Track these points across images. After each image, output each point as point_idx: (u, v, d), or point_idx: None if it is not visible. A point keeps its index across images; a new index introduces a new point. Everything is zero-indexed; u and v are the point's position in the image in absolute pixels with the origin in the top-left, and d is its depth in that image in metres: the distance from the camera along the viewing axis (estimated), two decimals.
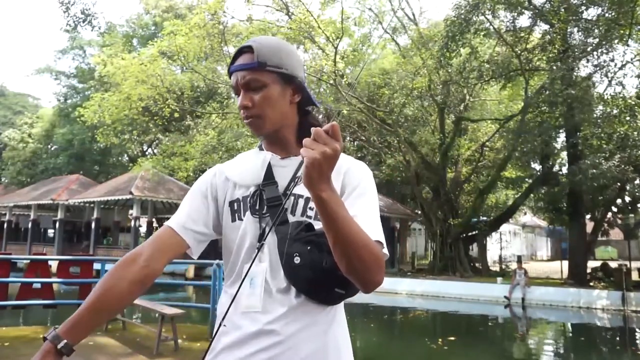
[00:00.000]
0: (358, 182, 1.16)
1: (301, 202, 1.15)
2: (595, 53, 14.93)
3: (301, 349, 1.07)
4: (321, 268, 1.06)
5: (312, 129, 0.93)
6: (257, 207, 1.17)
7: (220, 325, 1.09)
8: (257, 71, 1.14)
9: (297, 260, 1.07)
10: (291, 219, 1.14)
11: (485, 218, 21.78)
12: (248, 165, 1.22)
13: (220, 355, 1.13)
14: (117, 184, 25.02)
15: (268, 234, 1.13)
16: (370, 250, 0.99)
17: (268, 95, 1.15)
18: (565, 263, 17.83)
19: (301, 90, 1.21)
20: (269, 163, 1.20)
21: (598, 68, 15.05)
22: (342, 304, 1.17)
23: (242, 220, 1.17)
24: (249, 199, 1.18)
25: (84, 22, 13.28)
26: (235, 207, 1.20)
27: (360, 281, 1.02)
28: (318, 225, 1.10)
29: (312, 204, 1.13)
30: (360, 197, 1.13)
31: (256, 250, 1.13)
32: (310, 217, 1.14)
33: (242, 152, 1.30)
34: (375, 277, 1.00)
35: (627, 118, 15.02)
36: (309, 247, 1.07)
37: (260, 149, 1.27)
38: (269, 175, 1.19)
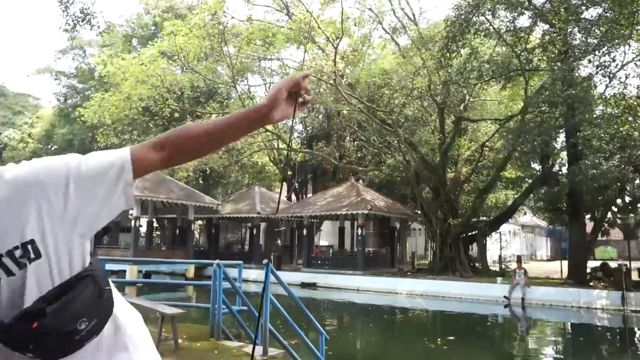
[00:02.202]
0: (63, 165, 0.94)
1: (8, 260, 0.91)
2: (595, 53, 14.93)
3: None
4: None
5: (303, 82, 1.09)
6: None
7: None
8: None
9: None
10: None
11: (485, 218, 21.78)
12: None
13: None
14: None
15: None
16: None
17: None
18: (565, 263, 17.83)
19: None
20: None
21: (599, 68, 15.05)
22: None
23: None
24: None
25: (82, 21, 13.25)
26: None
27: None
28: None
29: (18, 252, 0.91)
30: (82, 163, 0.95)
31: None
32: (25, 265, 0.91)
33: None
34: None
35: (630, 118, 15.02)
36: (32, 346, 0.90)
37: None
38: None
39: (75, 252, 0.96)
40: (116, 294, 1.04)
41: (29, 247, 0.92)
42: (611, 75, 15.13)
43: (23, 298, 0.91)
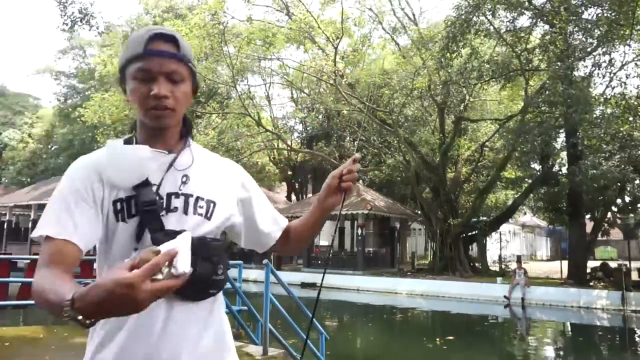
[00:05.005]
0: (251, 183, 1.35)
1: (191, 201, 1.16)
2: (595, 53, 14.92)
3: (183, 346, 1.09)
4: (195, 275, 0.98)
5: (353, 169, 1.21)
6: (136, 209, 1.10)
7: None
8: (181, 63, 1.14)
9: None
10: (181, 218, 1.13)
11: (485, 218, 21.76)
12: (127, 164, 1.12)
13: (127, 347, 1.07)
14: None
15: (141, 238, 1.10)
16: None
17: (185, 90, 1.16)
18: (565, 263, 17.83)
19: (197, 87, 1.23)
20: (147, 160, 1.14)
21: (598, 68, 15.04)
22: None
23: (125, 222, 1.10)
24: (132, 199, 1.11)
25: (81, 21, 13.24)
26: (119, 207, 1.11)
27: (301, 249, 1.38)
28: (200, 230, 1.14)
29: (201, 202, 1.17)
30: (260, 196, 1.35)
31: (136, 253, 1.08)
32: (201, 215, 1.16)
33: (112, 143, 1.16)
34: None
35: (630, 118, 15.02)
36: None
37: (128, 142, 1.18)
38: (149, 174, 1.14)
39: None
40: None
41: None
42: (611, 75, 15.12)
43: None
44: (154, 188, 1.13)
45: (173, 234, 1.00)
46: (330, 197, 1.21)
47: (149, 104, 1.11)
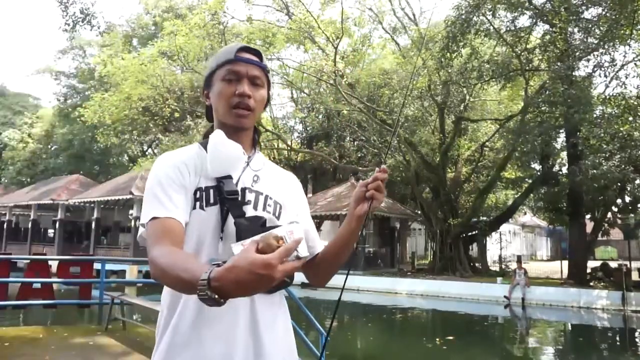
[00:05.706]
0: (305, 200, 1.44)
1: (261, 198, 1.29)
2: (595, 53, 14.92)
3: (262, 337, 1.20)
4: None
5: (378, 177, 1.18)
6: (218, 199, 1.23)
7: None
8: (263, 72, 1.32)
9: None
10: (252, 212, 1.25)
11: (485, 218, 21.76)
12: (225, 156, 1.25)
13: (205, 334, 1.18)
14: (117, 184, 25.00)
15: (224, 225, 1.22)
16: None
17: (263, 95, 1.33)
18: (565, 263, 17.82)
19: (270, 99, 1.38)
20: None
21: (598, 68, 15.04)
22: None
23: (204, 210, 1.23)
24: (211, 189, 1.24)
25: (82, 21, 13.24)
26: (198, 196, 1.24)
27: (331, 275, 1.40)
28: (275, 222, 1.27)
29: (270, 202, 1.30)
30: (309, 214, 1.44)
31: (219, 239, 1.21)
32: (269, 212, 1.28)
33: (220, 132, 1.27)
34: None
35: (630, 118, 15.02)
36: None
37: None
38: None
39: None
40: None
41: None
42: (611, 75, 15.12)
43: None
44: (234, 181, 1.27)
45: (254, 219, 1.21)
46: (358, 205, 1.26)
47: (233, 102, 1.27)
